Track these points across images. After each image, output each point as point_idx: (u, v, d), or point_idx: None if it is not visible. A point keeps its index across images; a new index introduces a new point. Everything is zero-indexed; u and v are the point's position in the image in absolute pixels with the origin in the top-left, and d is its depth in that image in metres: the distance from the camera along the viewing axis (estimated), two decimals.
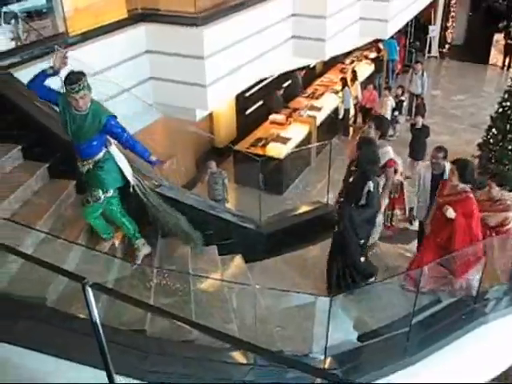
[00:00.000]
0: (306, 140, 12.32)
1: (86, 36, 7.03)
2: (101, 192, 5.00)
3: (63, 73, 4.77)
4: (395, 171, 6.70)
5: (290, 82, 14.59)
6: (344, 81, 14.40)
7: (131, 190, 5.12)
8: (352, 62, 17.06)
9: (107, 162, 4.97)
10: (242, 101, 12.62)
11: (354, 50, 15.82)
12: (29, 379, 3.67)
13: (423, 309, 5.73)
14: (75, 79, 4.59)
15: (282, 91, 13.43)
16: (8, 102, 5.59)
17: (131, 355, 4.12)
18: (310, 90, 14.84)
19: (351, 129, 14.60)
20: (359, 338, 5.56)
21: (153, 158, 5.04)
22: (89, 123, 4.76)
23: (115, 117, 4.86)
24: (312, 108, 13.42)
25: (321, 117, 13.25)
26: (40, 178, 5.58)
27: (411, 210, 7.56)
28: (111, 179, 5.03)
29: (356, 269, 6.19)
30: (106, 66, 6.91)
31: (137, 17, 7.77)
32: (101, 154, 4.94)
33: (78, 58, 6.36)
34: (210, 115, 11.52)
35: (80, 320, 4.21)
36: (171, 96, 7.81)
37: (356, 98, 14.71)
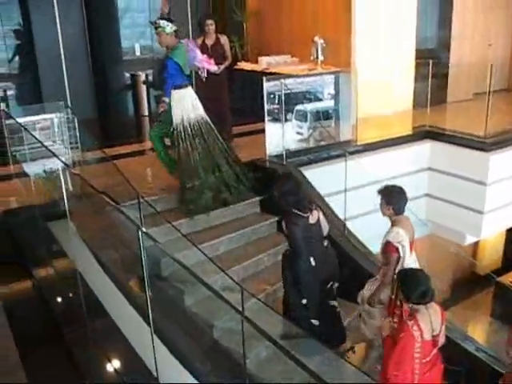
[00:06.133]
0: None
1: (372, 146, 7.37)
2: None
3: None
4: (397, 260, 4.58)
5: None
6: None
7: (174, 131, 5.78)
8: None
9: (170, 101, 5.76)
10: None
11: None
12: None
13: None
14: (159, 18, 5.60)
15: None
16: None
17: None
18: None
19: None
20: None
21: (164, 98, 5.72)
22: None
23: (171, 59, 5.57)
24: None
25: None
26: None
27: None
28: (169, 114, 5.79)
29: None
30: (387, 177, 7.06)
31: (423, 134, 7.96)
32: (168, 92, 5.72)
33: (362, 165, 6.71)
34: None
35: None
36: (443, 216, 7.71)
37: None
